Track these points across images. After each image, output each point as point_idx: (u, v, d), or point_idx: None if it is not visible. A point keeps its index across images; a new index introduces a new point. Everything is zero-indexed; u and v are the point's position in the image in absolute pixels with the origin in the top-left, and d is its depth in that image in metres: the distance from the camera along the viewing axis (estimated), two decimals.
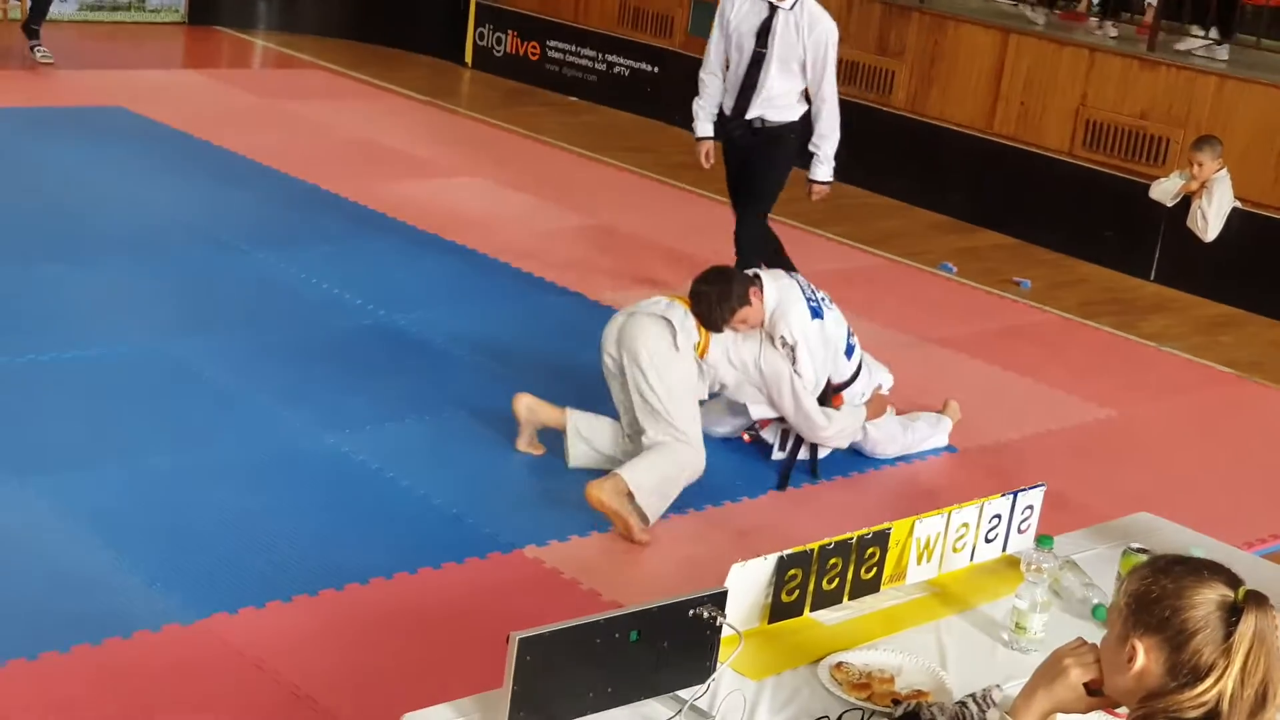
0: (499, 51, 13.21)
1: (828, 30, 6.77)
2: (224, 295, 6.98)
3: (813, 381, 5.62)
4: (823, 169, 7.07)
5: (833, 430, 5.68)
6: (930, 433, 6.13)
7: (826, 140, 6.96)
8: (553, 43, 12.79)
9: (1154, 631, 2.33)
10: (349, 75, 12.39)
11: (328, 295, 7.11)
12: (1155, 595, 2.35)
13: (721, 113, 7.03)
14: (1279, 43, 10.09)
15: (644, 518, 5.09)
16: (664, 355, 5.29)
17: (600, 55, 12.45)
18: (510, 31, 13.13)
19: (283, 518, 4.94)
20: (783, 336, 5.52)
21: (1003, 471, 5.91)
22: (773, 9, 6.74)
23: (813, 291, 5.71)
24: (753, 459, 5.88)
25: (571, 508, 5.19)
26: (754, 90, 6.85)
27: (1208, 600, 2.31)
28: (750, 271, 5.75)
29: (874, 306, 7.89)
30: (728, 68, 6.98)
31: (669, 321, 5.33)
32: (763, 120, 6.91)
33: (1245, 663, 2.27)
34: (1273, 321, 8.48)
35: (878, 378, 6.09)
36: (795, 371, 5.53)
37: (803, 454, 5.77)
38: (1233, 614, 2.29)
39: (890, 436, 6.01)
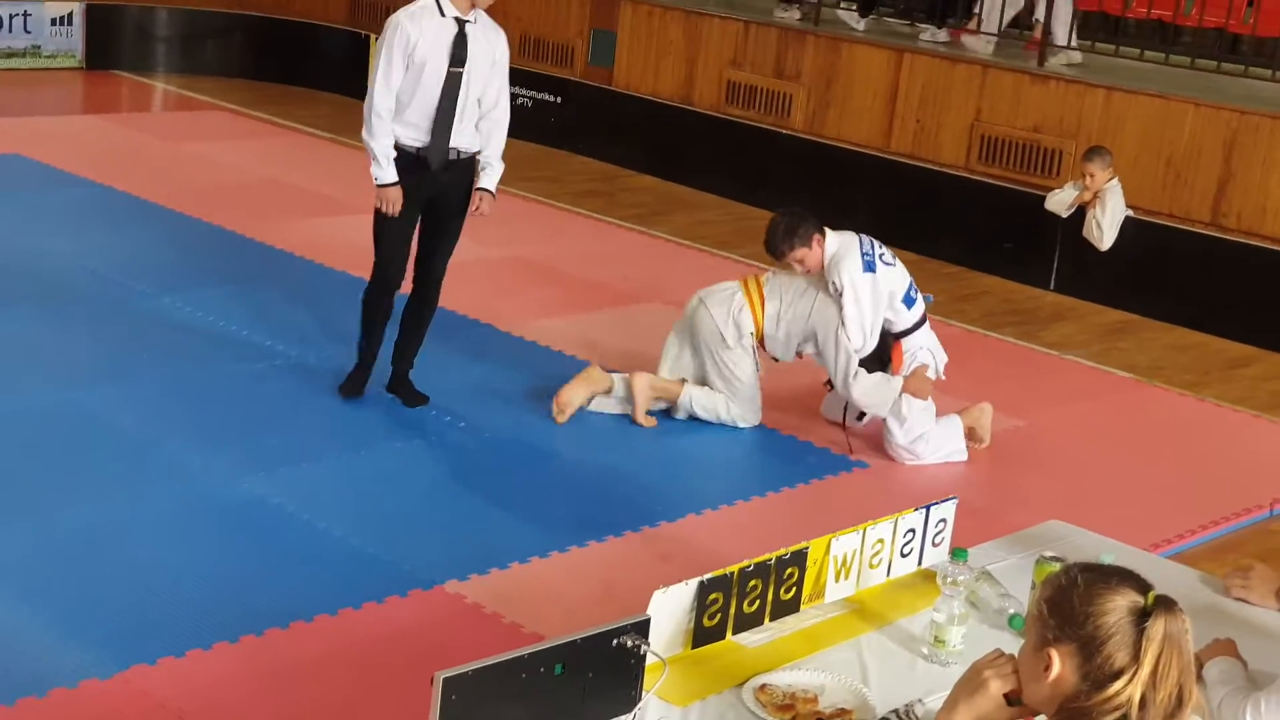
0: None
1: (505, 40, 6.22)
2: (131, 341, 6.91)
3: (859, 330, 6.17)
4: (495, 179, 6.31)
5: (858, 390, 6.20)
6: (954, 443, 6.38)
7: (499, 154, 6.26)
8: None
9: (1068, 639, 2.39)
10: (250, 115, 12.32)
11: (236, 336, 7.07)
12: (1068, 603, 2.41)
13: (404, 152, 6.06)
14: (1161, 54, 10.31)
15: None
16: (721, 348, 6.36)
17: None
18: None
19: (200, 565, 4.90)
20: (834, 282, 6.17)
21: (916, 485, 6.00)
22: (461, 24, 5.99)
23: (872, 246, 6.32)
24: (669, 480, 5.92)
25: (493, 539, 5.20)
26: (454, 117, 6.04)
27: (1118, 606, 2.37)
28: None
29: None
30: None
31: (729, 314, 6.30)
32: (459, 151, 6.13)
33: (1156, 665, 2.33)
34: (1169, 325, 8.68)
35: (937, 357, 6.47)
36: (841, 319, 6.16)
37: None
38: (1143, 618, 2.35)
39: (921, 436, 6.29)
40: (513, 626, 4.69)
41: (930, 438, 6.27)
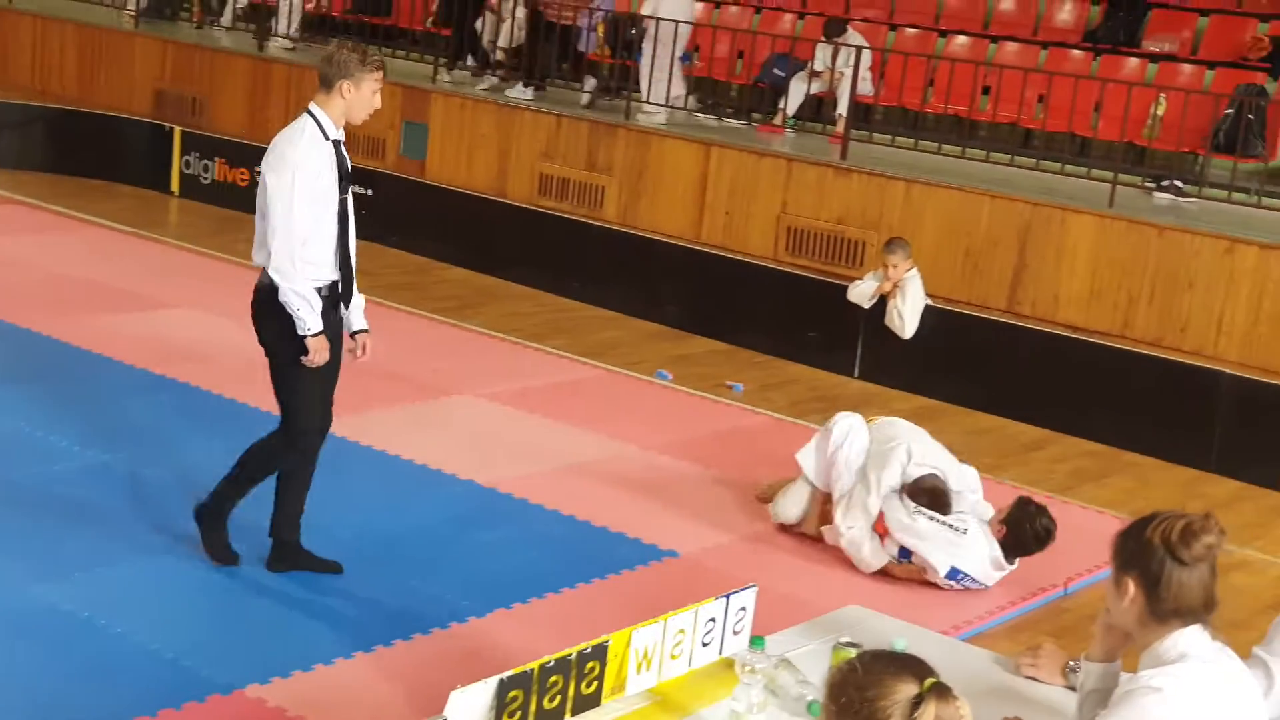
0: (206, 179, 13.04)
1: None
2: None
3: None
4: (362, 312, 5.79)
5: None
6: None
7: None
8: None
9: None
10: (48, 209, 12.01)
11: (31, 438, 6.85)
12: (847, 688, 2.48)
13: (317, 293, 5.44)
14: (958, 148, 10.68)
15: None
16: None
17: None
18: (218, 159, 12.97)
19: None
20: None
21: (724, 572, 6.03)
22: (336, 144, 5.46)
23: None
24: (477, 576, 5.88)
25: (296, 640, 5.09)
26: (348, 248, 5.53)
27: (894, 691, 2.44)
28: None
29: (595, 418, 8.02)
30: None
31: None
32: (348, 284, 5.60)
33: None
34: (969, 410, 8.94)
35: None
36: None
37: None
38: (916, 706, 2.42)
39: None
40: None
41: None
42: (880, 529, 6.21)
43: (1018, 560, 6.18)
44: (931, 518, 6.10)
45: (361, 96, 5.47)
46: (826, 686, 2.54)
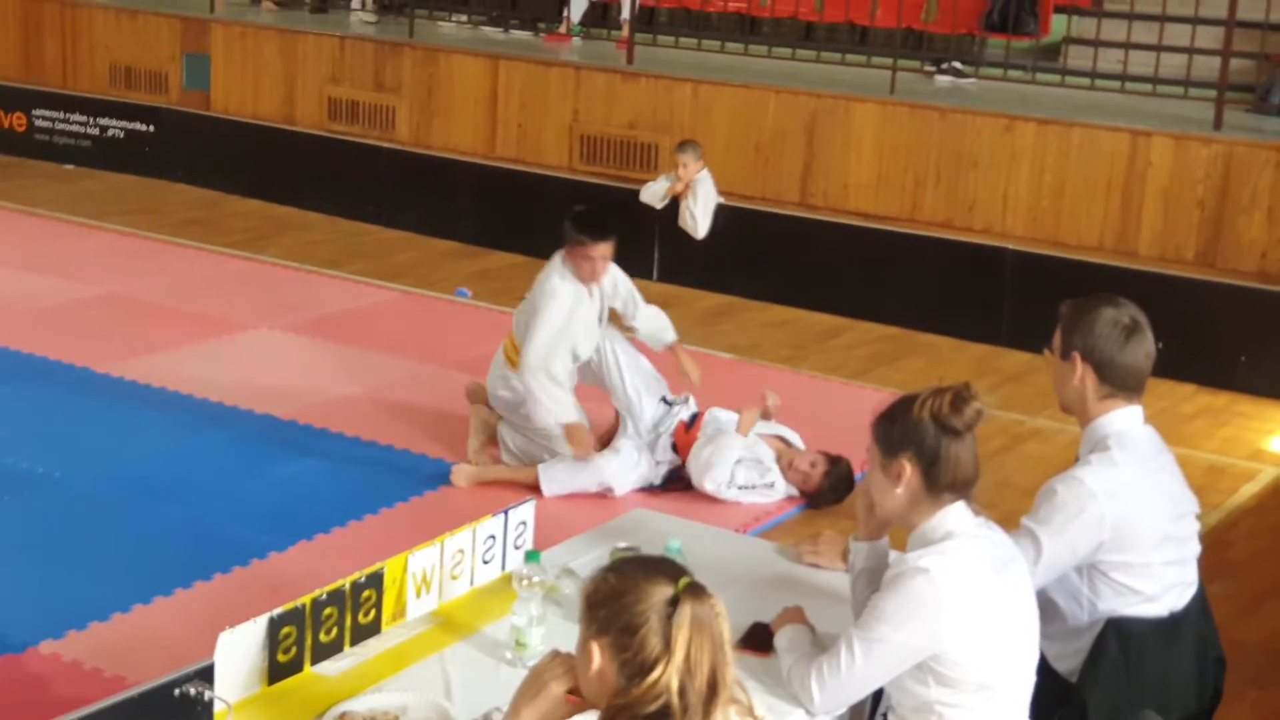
0: None
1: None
2: None
3: None
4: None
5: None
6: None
7: None
8: (39, 111, 12.23)
9: (604, 632, 2.46)
10: None
11: None
12: (602, 596, 2.49)
13: None
14: (741, 45, 10.73)
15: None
16: None
17: (91, 119, 11.99)
18: None
19: None
20: None
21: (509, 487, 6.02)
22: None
23: None
24: (277, 509, 5.83)
25: (91, 591, 5.01)
26: None
27: (649, 595, 2.44)
28: None
29: (397, 340, 7.97)
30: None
31: None
32: None
33: (688, 652, 2.39)
34: (765, 304, 9.03)
35: None
36: None
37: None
38: (672, 606, 2.42)
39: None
40: (115, 680, 4.53)
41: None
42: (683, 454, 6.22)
43: None
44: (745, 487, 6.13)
45: None
46: (582, 597, 2.54)
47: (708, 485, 6.03)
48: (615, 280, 6.35)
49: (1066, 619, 3.58)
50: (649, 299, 8.79)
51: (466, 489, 6.10)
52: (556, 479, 6.06)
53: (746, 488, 6.07)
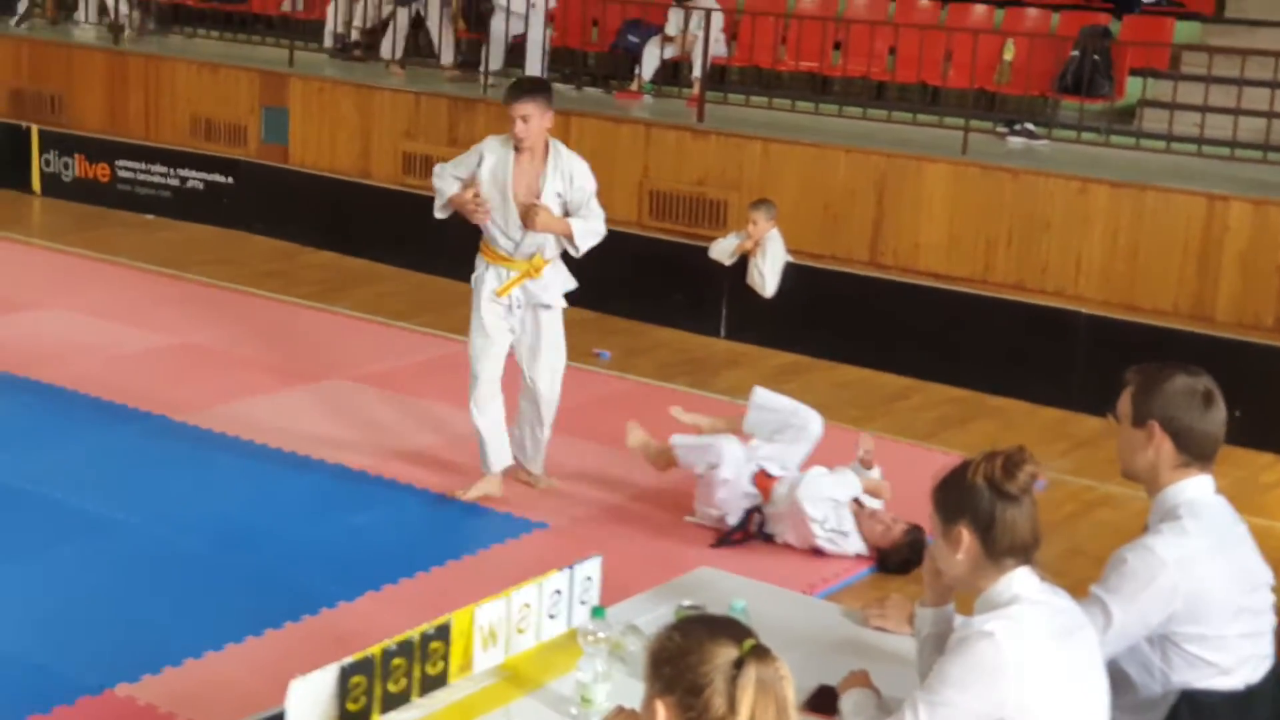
0: (68, 176, 12.82)
1: None
2: None
3: None
4: None
5: None
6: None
7: None
8: (122, 162, 12.50)
9: (669, 690, 2.48)
10: None
11: None
12: (667, 655, 2.51)
13: None
14: (812, 104, 10.79)
15: None
16: None
17: (172, 170, 12.24)
18: (78, 155, 12.75)
19: None
20: None
21: (589, 542, 6.04)
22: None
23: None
24: (346, 559, 5.89)
25: (165, 636, 5.09)
26: None
27: (714, 655, 2.46)
28: None
29: (464, 394, 8.01)
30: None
31: None
32: None
33: (752, 714, 2.41)
34: (833, 363, 9.02)
35: None
36: None
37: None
38: (737, 668, 2.43)
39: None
40: None
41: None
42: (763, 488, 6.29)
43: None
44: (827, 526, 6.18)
45: None
46: (647, 655, 2.57)
47: (808, 507, 6.07)
48: (572, 173, 6.76)
49: (1139, 690, 3.54)
50: (716, 356, 8.80)
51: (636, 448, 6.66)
52: (687, 443, 6.44)
53: (829, 527, 6.11)
